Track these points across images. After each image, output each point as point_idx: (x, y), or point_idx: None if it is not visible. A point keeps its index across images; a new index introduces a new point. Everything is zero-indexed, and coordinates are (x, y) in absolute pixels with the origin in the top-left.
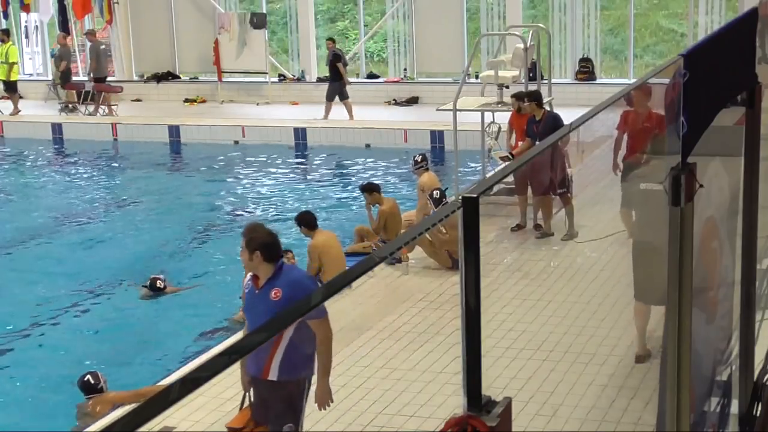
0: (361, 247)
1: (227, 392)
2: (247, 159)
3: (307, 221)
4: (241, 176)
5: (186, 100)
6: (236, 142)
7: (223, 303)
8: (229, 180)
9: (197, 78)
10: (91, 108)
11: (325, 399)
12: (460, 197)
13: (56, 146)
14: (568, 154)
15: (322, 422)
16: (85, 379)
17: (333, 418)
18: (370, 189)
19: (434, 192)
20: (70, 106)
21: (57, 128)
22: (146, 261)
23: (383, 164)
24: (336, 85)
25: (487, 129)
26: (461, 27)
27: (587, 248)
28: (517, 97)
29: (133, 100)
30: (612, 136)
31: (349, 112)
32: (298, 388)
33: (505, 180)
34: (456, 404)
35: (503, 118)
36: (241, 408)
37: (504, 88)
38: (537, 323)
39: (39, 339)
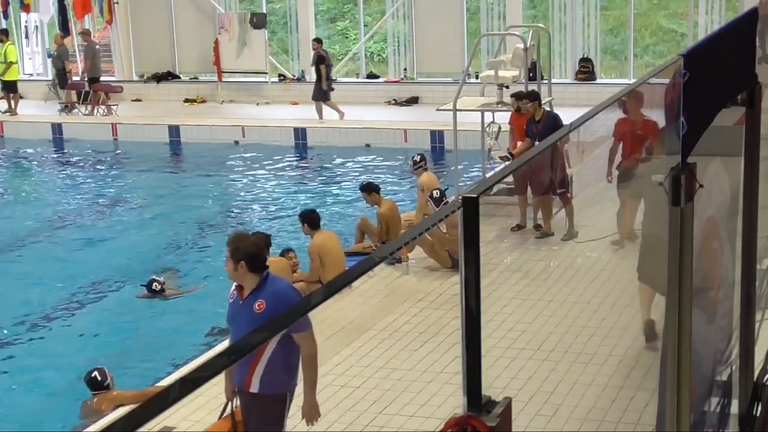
0: (361, 247)
1: None
2: (247, 159)
3: (311, 219)
4: (241, 176)
5: (186, 100)
6: (236, 142)
7: (223, 303)
8: (229, 180)
9: (197, 78)
10: (90, 108)
11: (312, 414)
12: (460, 197)
13: (56, 146)
14: (568, 154)
15: (323, 422)
16: (92, 375)
17: (333, 418)
18: (368, 189)
19: (434, 192)
20: (68, 106)
21: (57, 128)
22: (146, 261)
23: (383, 164)
24: (320, 85)
25: (487, 129)
26: (461, 27)
27: (587, 248)
28: (517, 96)
29: (133, 100)
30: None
31: (336, 110)
32: (279, 402)
33: (505, 180)
34: (456, 404)
35: (503, 118)
36: (221, 416)
37: (504, 88)
38: (537, 323)
39: (38, 339)
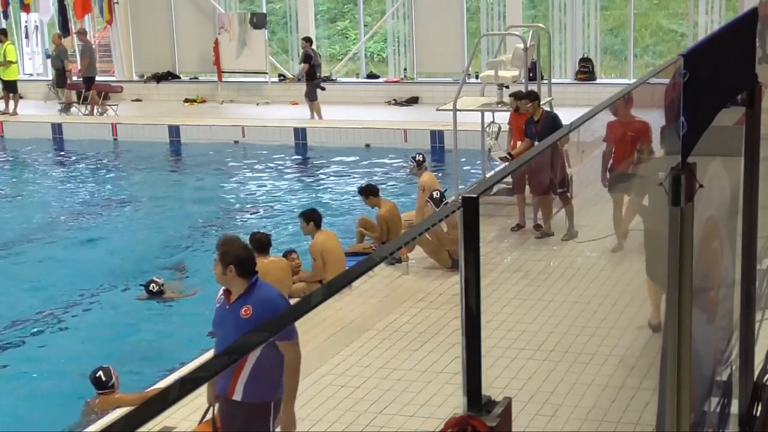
0: (362, 248)
1: None
2: (247, 159)
3: (313, 219)
4: (241, 176)
5: (186, 100)
6: (236, 142)
7: None
8: (229, 180)
9: (197, 78)
10: (90, 108)
11: (288, 426)
12: (460, 197)
13: (56, 146)
14: (568, 154)
15: (323, 422)
16: (97, 374)
17: (333, 418)
18: (366, 193)
19: (434, 193)
20: (67, 106)
21: (57, 128)
22: (146, 261)
23: (383, 164)
24: (312, 84)
25: (487, 129)
26: (461, 27)
27: (587, 248)
28: (516, 96)
29: (133, 100)
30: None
31: (311, 111)
32: (264, 411)
33: (505, 180)
34: (456, 404)
35: (503, 118)
36: (201, 421)
37: (504, 88)
38: (537, 323)
39: (36, 339)
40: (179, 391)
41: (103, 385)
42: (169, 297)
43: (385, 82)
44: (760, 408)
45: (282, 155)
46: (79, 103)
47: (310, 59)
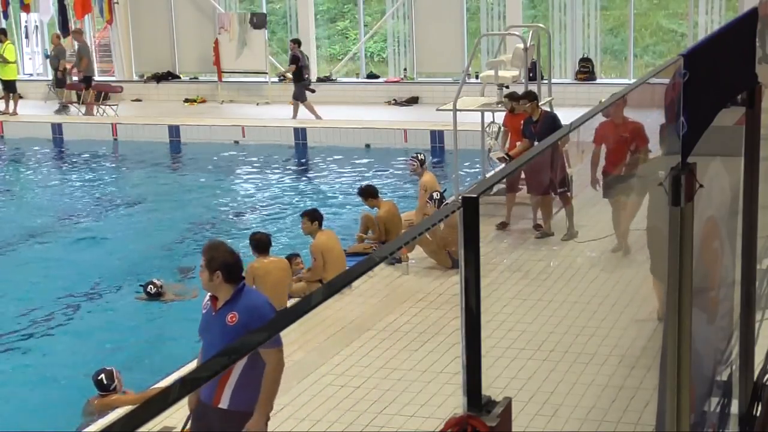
0: (362, 248)
1: None
2: (247, 159)
3: (318, 219)
4: (241, 176)
5: (186, 100)
6: (236, 142)
7: None
8: (229, 180)
9: (197, 78)
10: (89, 108)
11: None
12: (460, 197)
13: (56, 146)
14: (568, 153)
15: (323, 422)
16: (99, 377)
17: (333, 418)
18: (365, 194)
19: (434, 194)
20: (66, 106)
21: (57, 128)
22: (145, 261)
23: (383, 164)
24: (300, 85)
25: (487, 129)
26: (461, 27)
27: (587, 248)
28: (510, 97)
29: (133, 100)
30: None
31: (295, 112)
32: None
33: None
34: (456, 404)
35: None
36: (182, 429)
37: (504, 88)
38: (537, 323)
39: (35, 339)
40: (179, 391)
41: (104, 387)
42: (168, 299)
43: (385, 82)
44: (760, 408)
45: (282, 155)
46: (79, 104)
47: (297, 60)
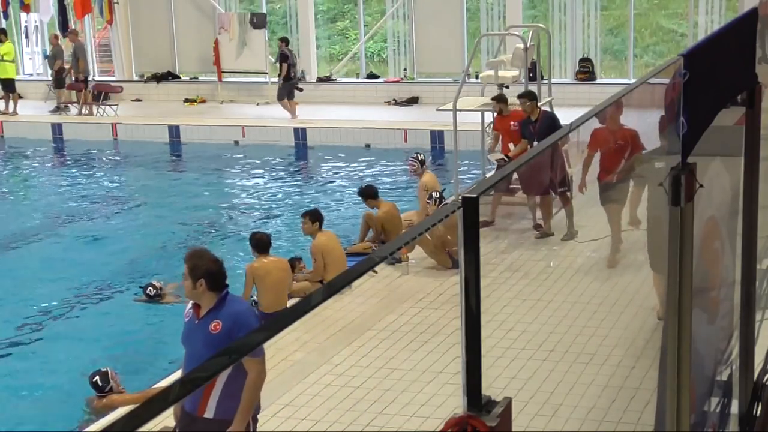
0: (362, 248)
1: None
2: (247, 159)
3: (319, 219)
4: (241, 176)
5: (186, 100)
6: (236, 142)
7: None
8: (229, 180)
9: (197, 78)
10: (89, 108)
11: None
12: (460, 197)
13: (56, 146)
14: (568, 153)
15: (323, 422)
16: (94, 379)
17: (333, 418)
18: (365, 195)
19: (433, 193)
20: (65, 106)
21: (57, 128)
22: (145, 262)
23: (383, 164)
24: (286, 84)
25: (487, 129)
26: (461, 27)
27: (587, 248)
28: (498, 99)
29: (133, 100)
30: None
31: (292, 112)
32: None
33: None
34: (456, 404)
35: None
36: None
37: (504, 88)
38: (537, 323)
39: (33, 340)
40: (179, 391)
41: (100, 389)
42: (168, 301)
43: (385, 82)
44: (760, 408)
45: (282, 155)
46: (79, 104)
47: (286, 59)
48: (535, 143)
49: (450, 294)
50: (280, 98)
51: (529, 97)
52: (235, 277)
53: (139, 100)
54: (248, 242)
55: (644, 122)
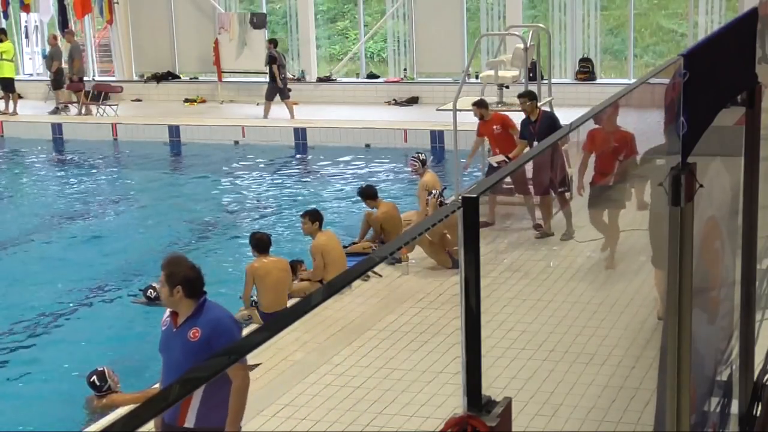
0: (361, 248)
1: None
2: (247, 159)
3: (319, 219)
4: (241, 176)
5: (186, 100)
6: (236, 142)
7: (222, 304)
8: (229, 180)
9: (197, 78)
10: (87, 108)
11: None
12: (460, 197)
13: (56, 146)
14: (568, 153)
15: (323, 422)
16: (91, 379)
17: (333, 418)
18: (365, 195)
19: (433, 191)
20: (65, 106)
21: (57, 128)
22: (145, 262)
23: (383, 164)
24: (273, 85)
25: None
26: (461, 27)
27: (587, 248)
28: (478, 105)
29: (133, 100)
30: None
31: (290, 111)
32: None
33: (504, 180)
34: (456, 404)
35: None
36: None
37: (504, 88)
38: (537, 323)
39: (33, 341)
40: (179, 391)
41: (98, 389)
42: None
43: (385, 82)
44: (760, 408)
45: (282, 155)
46: (78, 104)
47: (275, 60)
48: (535, 143)
49: (450, 294)
50: (270, 98)
51: (529, 97)
52: (235, 278)
53: (139, 100)
54: (248, 242)
55: (644, 122)
